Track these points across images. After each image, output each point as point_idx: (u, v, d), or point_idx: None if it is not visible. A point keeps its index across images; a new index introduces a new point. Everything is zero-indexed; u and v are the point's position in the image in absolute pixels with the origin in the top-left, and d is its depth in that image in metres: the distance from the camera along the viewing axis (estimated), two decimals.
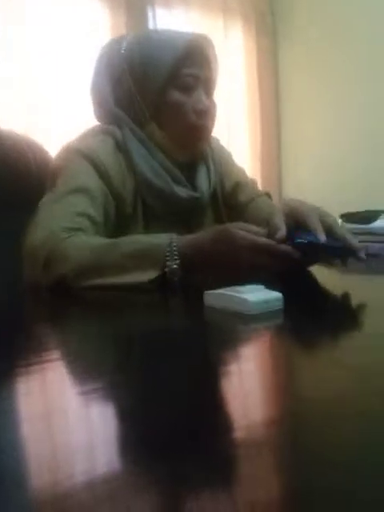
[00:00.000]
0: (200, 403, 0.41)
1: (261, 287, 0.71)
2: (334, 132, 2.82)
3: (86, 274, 0.91)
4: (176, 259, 0.89)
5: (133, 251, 0.92)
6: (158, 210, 1.13)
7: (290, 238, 0.93)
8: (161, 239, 0.93)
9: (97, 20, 2.46)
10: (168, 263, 0.89)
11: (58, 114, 2.32)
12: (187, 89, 1.12)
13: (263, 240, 0.89)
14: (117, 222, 1.09)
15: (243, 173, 1.36)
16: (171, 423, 0.37)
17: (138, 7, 2.57)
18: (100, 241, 0.98)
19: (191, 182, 1.18)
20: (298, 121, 2.94)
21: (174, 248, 0.90)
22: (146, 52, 1.11)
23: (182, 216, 1.16)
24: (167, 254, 0.90)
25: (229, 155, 1.35)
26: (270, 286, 0.72)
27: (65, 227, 0.96)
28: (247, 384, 0.47)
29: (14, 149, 1.27)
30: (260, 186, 2.83)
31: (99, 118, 1.18)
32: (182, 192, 1.14)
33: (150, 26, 2.60)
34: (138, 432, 0.36)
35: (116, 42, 1.17)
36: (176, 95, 1.11)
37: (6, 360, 0.54)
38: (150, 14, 2.62)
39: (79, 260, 0.92)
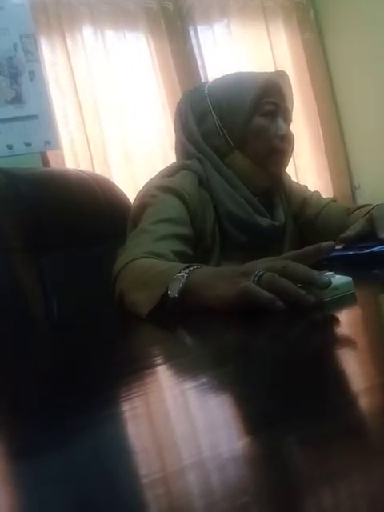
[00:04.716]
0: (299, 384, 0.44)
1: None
2: None
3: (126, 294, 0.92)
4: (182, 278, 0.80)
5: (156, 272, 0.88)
6: (239, 240, 1.17)
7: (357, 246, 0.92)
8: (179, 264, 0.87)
9: (142, 49, 2.54)
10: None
11: (117, 146, 2.42)
12: (270, 115, 1.20)
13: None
14: (195, 255, 1.08)
15: (306, 188, 1.40)
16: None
17: (180, 29, 2.63)
18: (153, 261, 0.95)
19: (270, 214, 1.24)
20: (356, 108, 2.87)
21: (188, 269, 0.81)
22: (228, 89, 1.21)
23: (262, 245, 1.16)
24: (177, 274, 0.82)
25: (289, 178, 1.39)
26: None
27: (145, 252, 0.98)
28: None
29: (81, 185, 1.34)
30: (330, 179, 2.80)
31: (182, 153, 1.26)
32: (263, 221, 1.20)
33: (194, 45, 2.65)
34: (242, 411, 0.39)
35: (198, 88, 1.27)
36: (261, 121, 1.19)
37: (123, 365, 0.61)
38: (191, 34, 2.67)
39: (127, 280, 0.93)
